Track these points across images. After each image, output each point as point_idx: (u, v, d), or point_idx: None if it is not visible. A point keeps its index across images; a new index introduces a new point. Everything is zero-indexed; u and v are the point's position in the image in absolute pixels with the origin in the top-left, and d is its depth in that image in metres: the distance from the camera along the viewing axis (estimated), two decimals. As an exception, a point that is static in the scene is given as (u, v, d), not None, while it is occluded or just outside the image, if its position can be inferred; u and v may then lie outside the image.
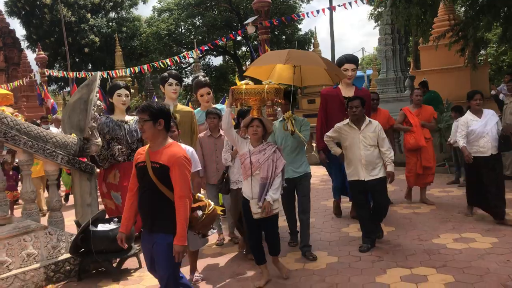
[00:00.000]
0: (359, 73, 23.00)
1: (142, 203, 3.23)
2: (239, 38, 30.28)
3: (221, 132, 5.11)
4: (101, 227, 4.69)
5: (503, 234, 5.09)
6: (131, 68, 17.10)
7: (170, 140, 3.27)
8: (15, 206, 7.90)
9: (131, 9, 37.89)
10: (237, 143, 4.20)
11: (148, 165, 3.13)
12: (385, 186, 4.94)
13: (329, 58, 23.34)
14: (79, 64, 34.32)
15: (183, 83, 20.65)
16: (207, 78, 6.05)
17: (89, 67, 34.59)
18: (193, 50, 16.45)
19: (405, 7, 9.85)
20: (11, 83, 20.11)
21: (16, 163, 7.42)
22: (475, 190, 5.67)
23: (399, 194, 7.41)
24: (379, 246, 4.98)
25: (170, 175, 3.08)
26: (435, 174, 6.97)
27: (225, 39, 16.66)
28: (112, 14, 37.31)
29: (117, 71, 18.12)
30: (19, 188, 7.45)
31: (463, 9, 15.85)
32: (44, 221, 4.85)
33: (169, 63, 15.69)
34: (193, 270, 4.51)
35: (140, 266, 4.85)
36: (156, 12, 36.16)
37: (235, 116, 5.08)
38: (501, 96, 12.87)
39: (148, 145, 3.28)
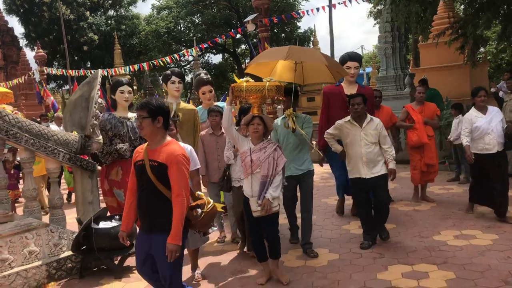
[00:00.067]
0: (358, 71, 22.92)
1: (140, 202, 3.20)
2: (238, 36, 30.26)
3: (223, 130, 5.10)
4: (102, 224, 4.68)
5: (503, 231, 5.11)
6: (131, 66, 17.06)
7: (168, 138, 3.23)
8: (16, 205, 7.89)
9: (130, 7, 37.81)
10: (238, 141, 4.17)
11: (146, 163, 3.10)
12: (386, 183, 4.95)
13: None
14: (78, 62, 34.25)
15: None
16: (209, 76, 6.02)
17: (88, 65, 34.50)
18: (193, 48, 16.44)
19: (405, 4, 9.84)
20: (10, 82, 20.09)
21: (18, 161, 7.42)
22: (480, 187, 5.65)
23: (399, 191, 7.44)
24: (380, 243, 5.00)
25: (168, 173, 3.05)
26: (435, 171, 6.98)
27: (224, 37, 16.65)
28: (111, 12, 37.25)
29: (116, 69, 18.10)
30: (20, 187, 7.44)
31: (462, 7, 15.85)
32: (46, 219, 4.85)
33: (168, 61, 15.68)
34: (194, 267, 4.52)
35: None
36: (155, 10, 36.10)
37: (236, 114, 5.07)
38: (500, 93, 12.89)
39: (146, 143, 3.24)
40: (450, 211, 6.10)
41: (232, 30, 15.09)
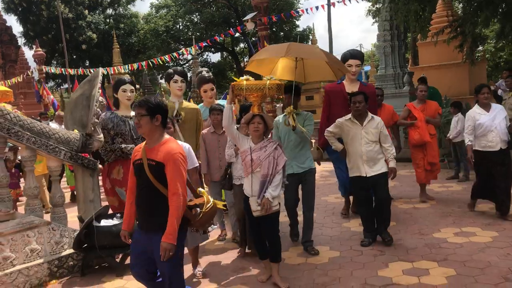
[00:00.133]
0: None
1: (139, 200, 3.18)
2: (237, 34, 30.26)
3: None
4: (104, 222, 4.70)
5: (503, 228, 5.14)
6: (129, 65, 17.08)
7: (166, 136, 3.20)
8: (17, 204, 7.89)
9: (129, 6, 37.83)
10: (238, 140, 4.14)
11: (144, 162, 3.08)
12: (387, 181, 4.96)
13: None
14: (77, 61, 34.23)
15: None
16: (210, 74, 6.00)
17: (87, 64, 34.49)
18: (192, 47, 16.45)
19: (404, 3, 9.88)
20: (8, 80, 20.09)
21: (19, 160, 7.42)
22: (483, 184, 5.63)
23: (399, 189, 7.46)
24: (380, 240, 5.01)
25: (165, 171, 3.03)
26: (435, 169, 7.01)
27: (224, 36, 16.66)
28: (110, 11, 37.25)
29: (115, 68, 18.10)
30: (22, 186, 7.43)
31: (461, 5, 15.89)
32: (47, 217, 4.87)
33: (167, 59, 15.70)
34: (194, 265, 4.53)
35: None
36: (153, 8, 36.14)
37: (237, 112, 5.07)
38: (499, 91, 12.92)
39: (144, 142, 3.22)
40: (450, 208, 6.13)
41: (231, 29, 15.08)
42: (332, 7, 16.60)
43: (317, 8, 12.30)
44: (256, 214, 3.93)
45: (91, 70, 17.51)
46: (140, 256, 3.20)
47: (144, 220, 3.17)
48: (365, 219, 5.09)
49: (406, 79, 12.26)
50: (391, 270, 4.20)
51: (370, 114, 4.94)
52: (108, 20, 35.49)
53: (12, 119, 4.46)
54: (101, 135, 4.99)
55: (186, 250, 4.22)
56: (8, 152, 6.93)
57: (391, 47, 13.06)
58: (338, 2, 12.06)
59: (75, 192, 7.07)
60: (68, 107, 5.23)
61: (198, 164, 4.34)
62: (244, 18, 11.73)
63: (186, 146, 4.07)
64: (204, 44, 16.56)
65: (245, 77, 4.31)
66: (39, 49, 19.06)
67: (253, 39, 27.90)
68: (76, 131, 4.94)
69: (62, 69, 20.19)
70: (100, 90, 5.03)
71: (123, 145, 4.94)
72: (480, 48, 17.41)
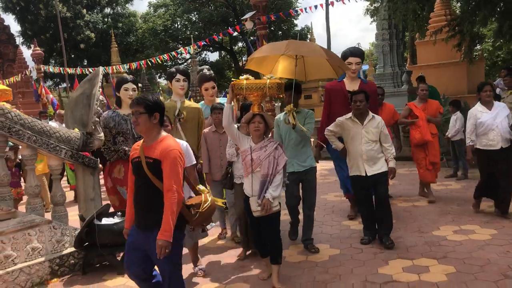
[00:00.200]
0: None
1: (137, 197, 3.18)
2: (235, 33, 30.24)
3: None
4: (105, 221, 4.71)
5: (502, 225, 5.17)
6: (128, 64, 17.06)
7: (164, 134, 3.21)
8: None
9: (127, 5, 37.70)
10: (238, 140, 4.12)
11: (142, 160, 3.09)
12: (386, 179, 4.97)
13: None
14: (75, 60, 34.13)
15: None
16: (212, 72, 5.98)
17: (85, 63, 34.42)
18: (191, 46, 16.44)
19: (403, 2, 9.92)
20: (6, 80, 20.04)
21: (19, 159, 7.42)
22: (486, 183, 5.62)
23: (398, 188, 7.49)
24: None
25: (162, 168, 3.03)
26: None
27: (222, 35, 16.66)
28: (108, 10, 37.11)
29: (114, 67, 18.09)
30: (23, 185, 7.41)
31: (459, 4, 15.93)
32: (48, 216, 4.87)
33: (166, 58, 15.69)
34: (195, 262, 4.54)
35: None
36: (152, 7, 36.06)
37: (238, 111, 5.07)
38: (497, 90, 12.97)
39: (142, 139, 3.22)
40: (449, 206, 6.16)
41: (230, 28, 15.08)
42: (330, 6, 16.61)
43: (315, 7, 12.28)
44: (256, 214, 3.91)
45: (90, 69, 17.53)
46: (137, 255, 3.19)
47: (142, 216, 3.16)
48: (365, 218, 5.11)
49: (404, 78, 12.31)
50: (391, 268, 4.23)
51: (371, 113, 4.93)
52: (106, 19, 35.40)
53: (13, 117, 4.46)
54: (102, 134, 5.00)
55: (186, 250, 4.26)
56: (8, 152, 6.93)
57: (389, 46, 13.11)
58: (336, 1, 12.04)
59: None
60: (68, 106, 5.23)
61: (195, 162, 4.31)
62: (243, 17, 11.71)
63: (184, 143, 4.06)
64: (202, 43, 16.55)
65: (244, 76, 4.28)
66: (37, 48, 18.99)
67: (251, 38, 27.89)
68: (76, 130, 4.95)
69: (60, 68, 20.13)
70: (100, 89, 5.04)
71: (126, 148, 4.95)
72: (478, 47, 17.43)
